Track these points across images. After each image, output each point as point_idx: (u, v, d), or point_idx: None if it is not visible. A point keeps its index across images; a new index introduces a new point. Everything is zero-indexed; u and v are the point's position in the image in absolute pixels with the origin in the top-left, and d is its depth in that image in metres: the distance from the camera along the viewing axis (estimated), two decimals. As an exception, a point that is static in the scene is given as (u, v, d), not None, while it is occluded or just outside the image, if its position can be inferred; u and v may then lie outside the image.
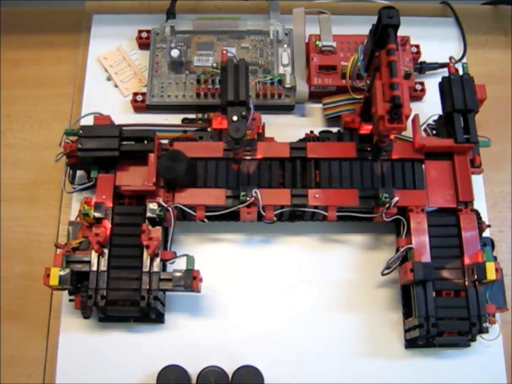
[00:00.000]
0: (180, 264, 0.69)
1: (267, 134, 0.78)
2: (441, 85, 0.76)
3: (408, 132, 0.73)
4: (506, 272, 0.74)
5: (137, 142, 0.73)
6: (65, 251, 0.70)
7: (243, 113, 0.65)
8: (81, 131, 0.73)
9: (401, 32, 0.66)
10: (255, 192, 0.70)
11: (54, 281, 0.66)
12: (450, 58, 0.79)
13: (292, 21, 0.86)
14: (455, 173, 0.73)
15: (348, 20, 0.89)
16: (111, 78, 0.86)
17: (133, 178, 0.73)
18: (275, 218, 0.72)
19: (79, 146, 0.72)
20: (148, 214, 0.70)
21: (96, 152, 0.72)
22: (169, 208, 0.70)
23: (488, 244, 0.73)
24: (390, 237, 0.77)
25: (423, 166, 0.74)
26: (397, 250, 0.71)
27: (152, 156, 0.72)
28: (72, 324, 0.72)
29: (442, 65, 0.85)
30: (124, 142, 0.73)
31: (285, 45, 0.85)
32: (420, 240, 0.70)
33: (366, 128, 0.74)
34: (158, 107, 0.82)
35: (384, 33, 0.64)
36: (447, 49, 0.88)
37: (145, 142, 0.73)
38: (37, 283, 0.69)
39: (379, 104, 0.63)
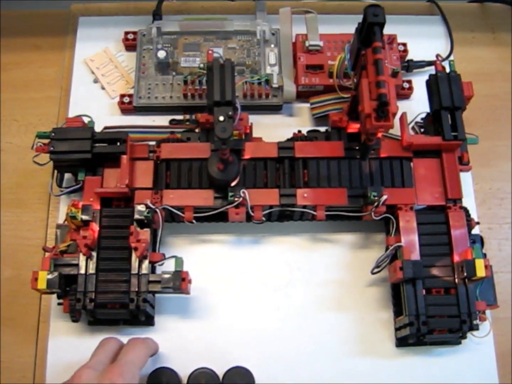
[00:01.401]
0: (169, 266, 0.69)
1: (255, 134, 0.77)
2: (428, 83, 0.76)
3: (396, 130, 0.73)
4: (496, 269, 0.74)
5: (109, 144, 0.73)
6: (53, 254, 0.69)
7: (230, 113, 0.64)
8: (53, 134, 0.73)
9: (388, 30, 0.66)
10: (243, 193, 0.70)
11: (42, 284, 0.66)
12: (437, 55, 0.80)
13: (279, 21, 0.85)
14: (443, 170, 0.73)
15: (334, 19, 0.89)
16: (98, 80, 0.85)
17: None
18: (263, 218, 0.72)
19: (51, 148, 0.72)
20: (136, 216, 0.69)
21: (68, 155, 0.72)
22: (157, 210, 0.70)
23: (478, 241, 0.73)
24: (379, 235, 0.77)
25: (411, 164, 0.74)
26: (387, 249, 0.71)
27: (124, 158, 0.72)
28: (61, 328, 0.72)
29: (429, 63, 0.84)
30: (97, 144, 0.73)
31: (272, 45, 0.85)
32: (409, 238, 0.70)
33: (353, 127, 0.74)
34: (146, 108, 0.82)
35: (369, 31, 0.63)
36: (434, 47, 0.87)
37: (118, 143, 0.73)
38: (26, 287, 0.68)
39: (366, 102, 0.63)
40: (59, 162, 0.73)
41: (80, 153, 0.72)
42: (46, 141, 0.73)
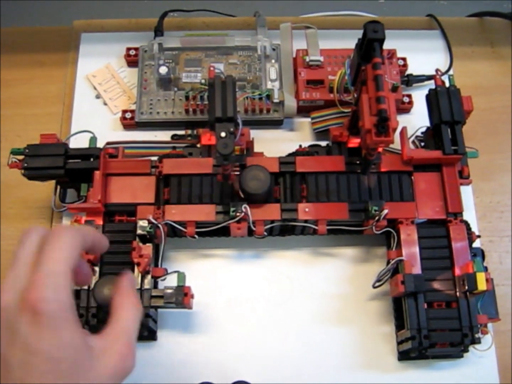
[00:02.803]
0: (171, 281, 0.69)
1: (256, 149, 0.78)
2: (428, 97, 0.77)
3: (397, 145, 0.74)
4: (497, 282, 0.74)
5: (83, 160, 0.74)
6: (55, 270, 0.69)
7: (231, 129, 0.65)
8: (26, 150, 0.73)
9: (387, 45, 0.67)
10: (245, 208, 0.70)
11: (45, 300, 0.66)
12: (437, 70, 0.80)
13: (279, 36, 0.86)
14: (444, 184, 0.73)
15: (334, 34, 0.89)
16: (100, 96, 0.86)
17: (123, 194, 0.73)
18: (265, 233, 0.72)
19: (25, 165, 0.73)
20: (139, 231, 0.70)
21: (42, 171, 0.73)
22: (159, 225, 0.70)
23: (479, 254, 0.73)
24: (380, 249, 0.77)
25: (412, 178, 0.74)
26: (388, 263, 0.71)
27: (97, 174, 0.72)
28: (64, 343, 0.72)
29: (429, 77, 0.85)
30: (70, 160, 0.74)
31: (273, 60, 0.85)
32: (411, 252, 0.70)
33: (354, 142, 0.75)
34: (147, 124, 0.83)
35: (369, 47, 0.64)
36: (434, 61, 0.88)
37: (91, 159, 0.74)
38: (28, 303, 0.69)
39: (366, 117, 0.63)
40: (33, 178, 0.74)
41: (53, 169, 0.73)
42: (21, 157, 0.74)
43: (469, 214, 0.77)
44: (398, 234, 0.71)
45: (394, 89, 0.80)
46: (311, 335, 0.73)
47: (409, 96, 0.85)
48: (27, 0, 1.37)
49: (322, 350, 0.73)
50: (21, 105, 0.88)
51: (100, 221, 0.71)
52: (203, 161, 0.75)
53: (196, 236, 0.72)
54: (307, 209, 0.72)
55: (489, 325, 0.71)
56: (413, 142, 0.80)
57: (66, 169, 0.73)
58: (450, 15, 0.95)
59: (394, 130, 0.62)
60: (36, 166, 0.73)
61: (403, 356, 0.72)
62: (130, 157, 0.78)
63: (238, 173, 0.73)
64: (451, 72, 0.87)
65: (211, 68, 0.71)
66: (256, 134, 0.79)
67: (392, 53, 0.85)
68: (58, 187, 0.77)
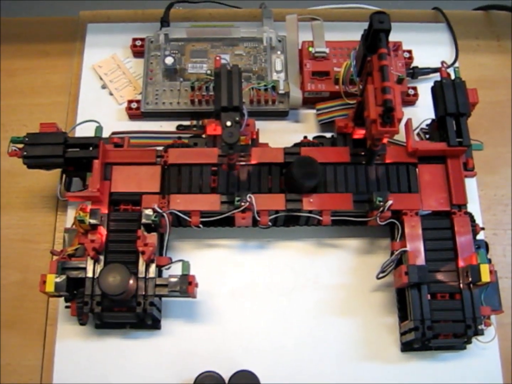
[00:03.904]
0: (175, 270, 0.69)
1: (262, 140, 0.78)
2: (434, 90, 0.77)
3: (402, 136, 0.74)
4: (501, 275, 0.75)
5: (82, 149, 0.74)
6: (60, 258, 0.70)
7: (237, 118, 0.65)
8: (26, 139, 0.74)
9: (393, 37, 0.67)
10: (250, 197, 0.70)
11: (50, 288, 0.66)
12: (442, 62, 0.80)
13: (285, 28, 0.87)
14: (448, 176, 0.74)
15: (340, 26, 0.90)
16: (106, 86, 0.86)
17: (129, 183, 0.73)
18: (270, 223, 0.72)
19: (25, 153, 0.73)
20: (144, 220, 0.70)
21: (41, 160, 0.74)
22: (164, 214, 0.70)
23: (482, 246, 0.73)
24: (384, 241, 0.77)
25: (417, 169, 0.75)
26: (392, 254, 0.71)
27: (96, 163, 0.72)
28: (68, 331, 0.73)
29: (435, 70, 0.85)
30: (69, 149, 0.74)
31: (279, 52, 0.86)
32: (415, 243, 0.70)
33: (359, 133, 0.75)
34: (153, 114, 0.83)
35: (375, 38, 0.64)
36: (439, 54, 0.88)
37: (90, 148, 0.74)
38: (33, 291, 0.69)
39: (372, 108, 0.63)
40: (32, 167, 0.75)
41: (52, 158, 0.73)
42: (21, 145, 0.74)
43: (474, 207, 0.77)
44: (402, 225, 0.71)
45: (400, 81, 0.80)
46: (314, 326, 0.73)
47: (414, 88, 0.85)
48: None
49: (325, 341, 0.73)
50: (26, 94, 0.89)
51: (105, 210, 0.72)
52: (208, 151, 0.75)
53: (200, 225, 0.72)
54: (311, 200, 0.72)
55: (492, 317, 0.72)
56: (418, 134, 0.80)
57: (66, 158, 0.73)
58: (456, 8, 0.95)
59: (399, 120, 0.63)
60: (36, 154, 0.73)
61: (406, 347, 0.72)
62: (135, 147, 0.78)
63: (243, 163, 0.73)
64: (456, 64, 0.87)
65: (217, 58, 0.71)
66: (261, 125, 0.80)
67: (397, 46, 0.85)
68: (64, 176, 0.77)
